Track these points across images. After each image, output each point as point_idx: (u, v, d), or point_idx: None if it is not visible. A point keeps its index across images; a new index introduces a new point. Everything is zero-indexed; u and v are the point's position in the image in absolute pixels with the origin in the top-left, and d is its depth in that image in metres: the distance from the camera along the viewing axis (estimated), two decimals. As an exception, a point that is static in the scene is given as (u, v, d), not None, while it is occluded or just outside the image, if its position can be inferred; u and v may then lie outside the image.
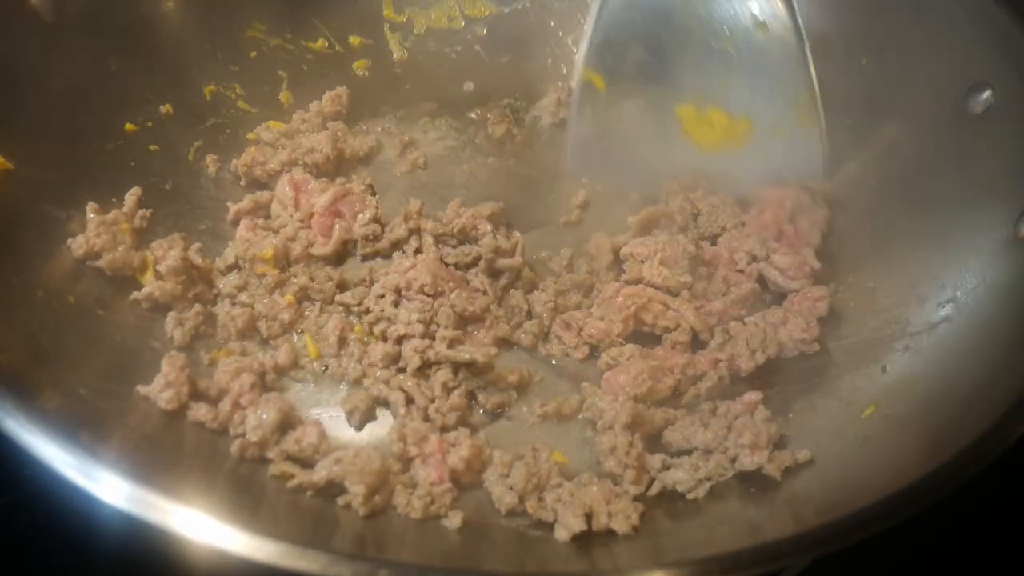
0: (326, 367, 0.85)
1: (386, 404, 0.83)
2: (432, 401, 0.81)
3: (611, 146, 0.99)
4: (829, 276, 0.91)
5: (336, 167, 1.02)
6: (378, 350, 0.84)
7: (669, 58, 0.94)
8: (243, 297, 0.88)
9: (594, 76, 0.96)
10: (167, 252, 0.87)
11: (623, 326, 0.87)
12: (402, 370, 0.84)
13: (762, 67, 0.92)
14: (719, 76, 0.93)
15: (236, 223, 0.95)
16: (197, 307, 0.86)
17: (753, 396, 0.81)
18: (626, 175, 0.99)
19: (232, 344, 0.85)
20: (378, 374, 0.84)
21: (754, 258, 0.92)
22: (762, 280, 0.92)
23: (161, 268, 0.86)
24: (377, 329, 0.87)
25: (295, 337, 0.87)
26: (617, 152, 0.99)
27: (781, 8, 0.90)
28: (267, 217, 0.96)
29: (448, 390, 0.82)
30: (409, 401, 0.81)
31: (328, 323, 0.87)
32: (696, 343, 0.88)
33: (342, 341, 0.86)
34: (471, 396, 0.83)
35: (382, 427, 0.82)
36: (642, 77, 0.95)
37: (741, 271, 0.92)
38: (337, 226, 0.94)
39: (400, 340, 0.85)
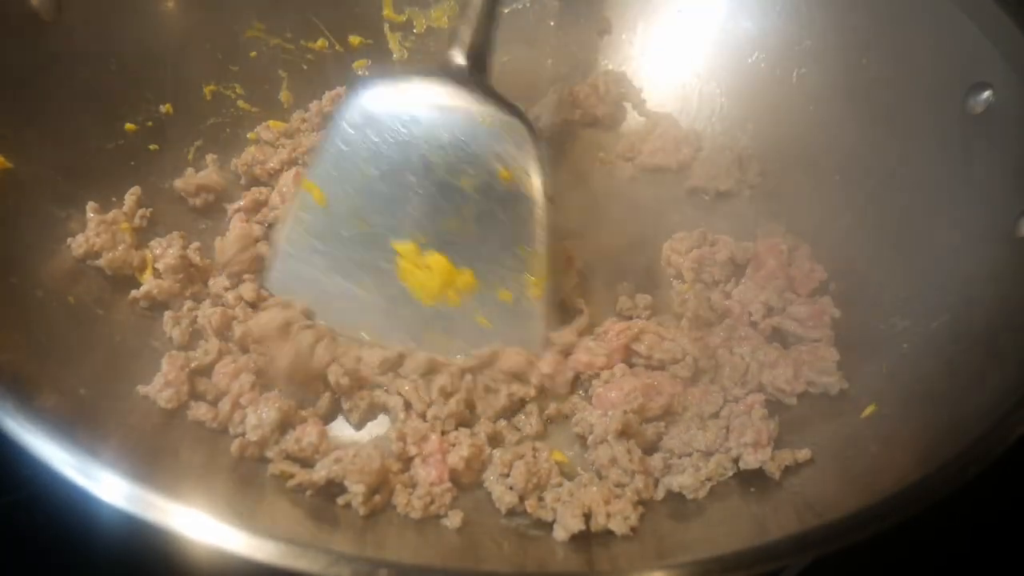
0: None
1: (385, 409, 0.83)
2: (429, 406, 0.81)
3: (316, 271, 0.86)
4: (828, 275, 0.92)
5: None
6: (376, 355, 0.84)
7: (402, 187, 0.82)
8: (229, 297, 0.88)
9: (315, 190, 0.85)
10: (165, 250, 0.87)
11: (607, 359, 0.84)
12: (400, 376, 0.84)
13: (498, 220, 0.82)
14: (450, 218, 0.83)
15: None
16: (190, 303, 0.86)
17: (755, 398, 0.81)
18: (323, 307, 0.87)
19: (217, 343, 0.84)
20: (377, 379, 0.83)
21: (770, 311, 0.89)
22: (776, 335, 0.89)
23: (159, 266, 0.86)
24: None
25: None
26: (322, 280, 0.86)
27: (532, 163, 0.81)
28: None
29: (447, 395, 0.82)
30: (408, 406, 0.81)
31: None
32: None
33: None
34: (470, 406, 0.83)
35: (382, 426, 0.82)
36: (368, 201, 0.84)
37: (755, 324, 0.89)
38: None
39: None
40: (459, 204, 0.82)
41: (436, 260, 0.83)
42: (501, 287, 0.84)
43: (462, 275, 0.84)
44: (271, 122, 1.04)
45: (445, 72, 0.83)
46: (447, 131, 0.81)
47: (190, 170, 0.96)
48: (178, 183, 0.95)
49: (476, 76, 0.83)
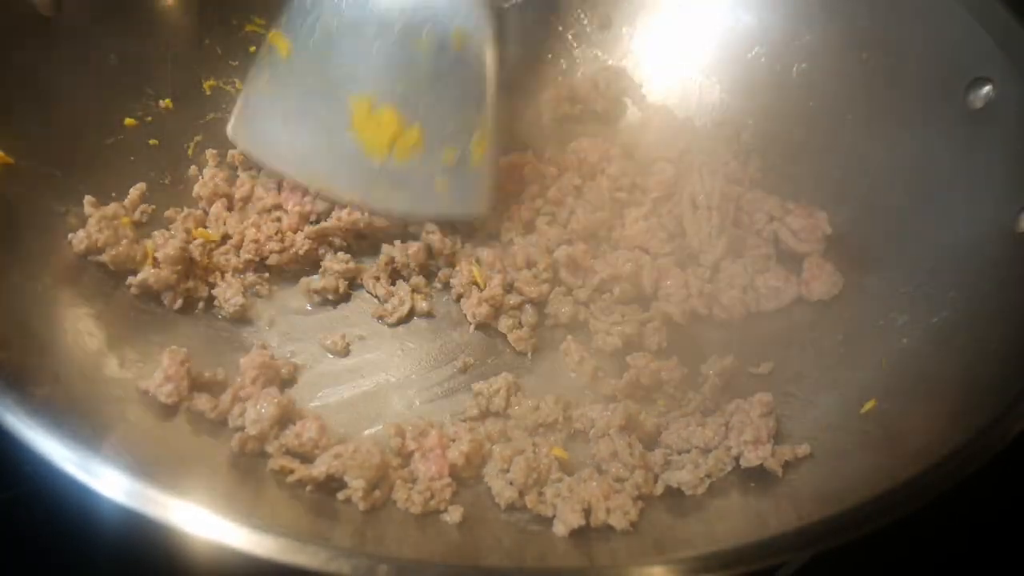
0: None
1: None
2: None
3: (274, 122, 0.93)
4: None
5: None
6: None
7: (360, 43, 0.87)
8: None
9: (281, 41, 0.90)
10: (167, 241, 0.87)
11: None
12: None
13: (448, 82, 0.87)
14: (404, 76, 0.87)
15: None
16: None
17: (764, 397, 0.81)
18: (279, 155, 0.94)
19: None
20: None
21: (771, 218, 0.96)
22: (775, 240, 0.96)
23: (159, 255, 0.86)
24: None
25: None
26: (279, 130, 0.93)
27: (484, 29, 0.85)
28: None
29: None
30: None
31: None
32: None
33: None
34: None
35: (383, 422, 0.82)
36: (328, 55, 0.88)
37: (759, 232, 0.96)
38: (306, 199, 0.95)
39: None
40: (414, 64, 0.87)
41: (386, 115, 0.88)
42: (447, 146, 0.89)
43: (410, 131, 0.88)
44: None
45: None
46: None
47: (203, 173, 0.97)
48: (197, 188, 0.96)
49: None
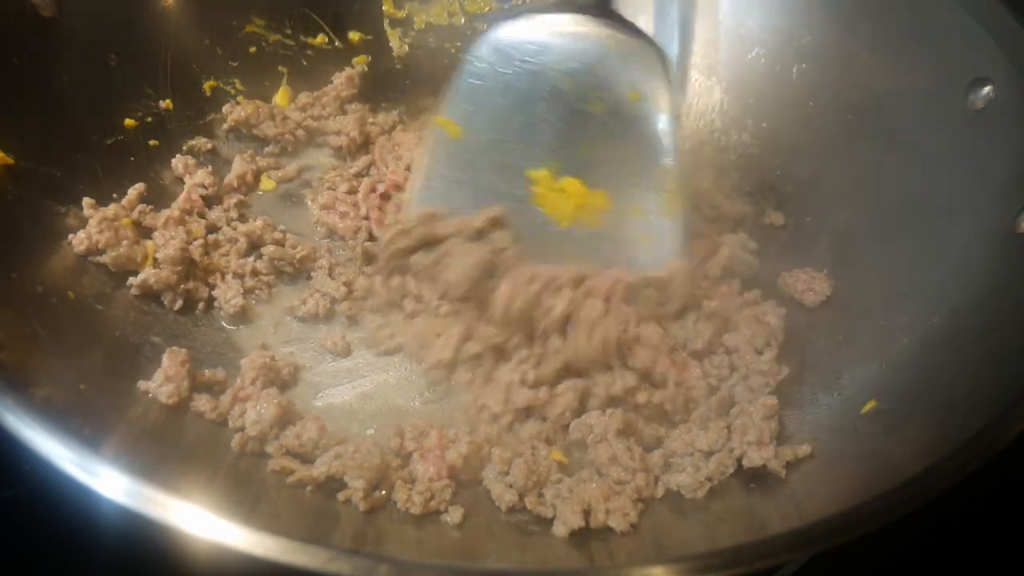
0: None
1: None
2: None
3: (458, 196, 0.89)
4: (829, 271, 0.92)
5: (359, 149, 1.05)
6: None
7: (529, 118, 0.85)
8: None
9: (450, 126, 0.87)
10: (168, 242, 0.87)
11: None
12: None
13: (627, 143, 0.85)
14: (582, 142, 0.85)
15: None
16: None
17: (768, 400, 0.81)
18: None
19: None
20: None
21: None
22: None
23: (159, 256, 0.86)
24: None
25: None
26: (465, 203, 0.89)
27: (660, 84, 0.83)
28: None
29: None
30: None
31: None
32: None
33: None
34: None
35: (383, 422, 0.82)
36: (501, 131, 0.86)
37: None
38: None
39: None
40: (590, 128, 0.85)
41: (570, 184, 0.86)
42: (635, 206, 0.87)
43: (596, 196, 0.86)
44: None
45: (571, 2, 0.85)
46: (575, 58, 0.83)
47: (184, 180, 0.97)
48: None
49: (601, 4, 0.85)
